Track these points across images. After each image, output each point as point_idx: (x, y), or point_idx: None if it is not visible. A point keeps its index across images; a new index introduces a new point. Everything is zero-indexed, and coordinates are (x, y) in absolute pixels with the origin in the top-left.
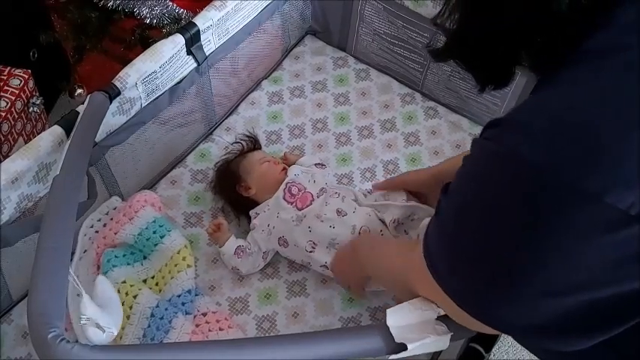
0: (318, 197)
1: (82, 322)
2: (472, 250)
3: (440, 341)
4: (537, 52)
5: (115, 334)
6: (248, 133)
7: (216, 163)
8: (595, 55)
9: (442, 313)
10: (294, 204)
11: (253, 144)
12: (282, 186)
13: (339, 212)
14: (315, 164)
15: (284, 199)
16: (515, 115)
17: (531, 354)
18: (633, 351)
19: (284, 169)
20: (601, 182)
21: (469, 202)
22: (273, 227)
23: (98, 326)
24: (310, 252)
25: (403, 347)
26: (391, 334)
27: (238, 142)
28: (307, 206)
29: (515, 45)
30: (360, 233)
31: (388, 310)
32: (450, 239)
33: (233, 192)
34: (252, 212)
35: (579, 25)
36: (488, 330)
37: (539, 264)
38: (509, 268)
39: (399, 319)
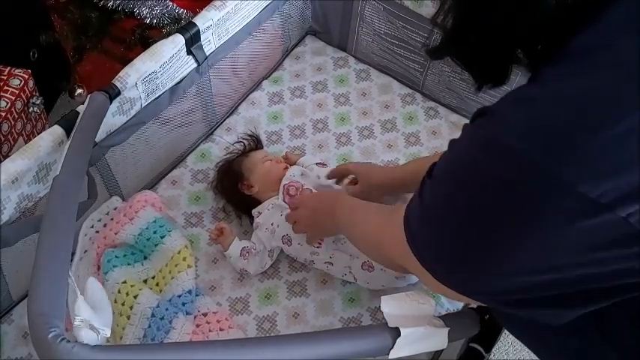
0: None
1: (75, 323)
2: (457, 235)
3: (437, 337)
4: (531, 50)
5: (108, 335)
6: (250, 133)
7: (218, 163)
8: (580, 53)
9: (441, 312)
10: None
11: (255, 143)
12: (281, 189)
13: None
14: (317, 163)
15: (285, 202)
16: (502, 105)
17: (532, 354)
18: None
19: (286, 167)
20: (575, 173)
21: (455, 189)
22: (277, 225)
23: (92, 328)
24: (318, 247)
25: (397, 333)
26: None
27: (240, 142)
28: None
29: (510, 43)
30: None
31: (383, 297)
32: (435, 225)
33: (235, 190)
34: (254, 211)
35: (569, 24)
36: (465, 299)
37: (519, 248)
38: (493, 251)
39: (394, 308)
